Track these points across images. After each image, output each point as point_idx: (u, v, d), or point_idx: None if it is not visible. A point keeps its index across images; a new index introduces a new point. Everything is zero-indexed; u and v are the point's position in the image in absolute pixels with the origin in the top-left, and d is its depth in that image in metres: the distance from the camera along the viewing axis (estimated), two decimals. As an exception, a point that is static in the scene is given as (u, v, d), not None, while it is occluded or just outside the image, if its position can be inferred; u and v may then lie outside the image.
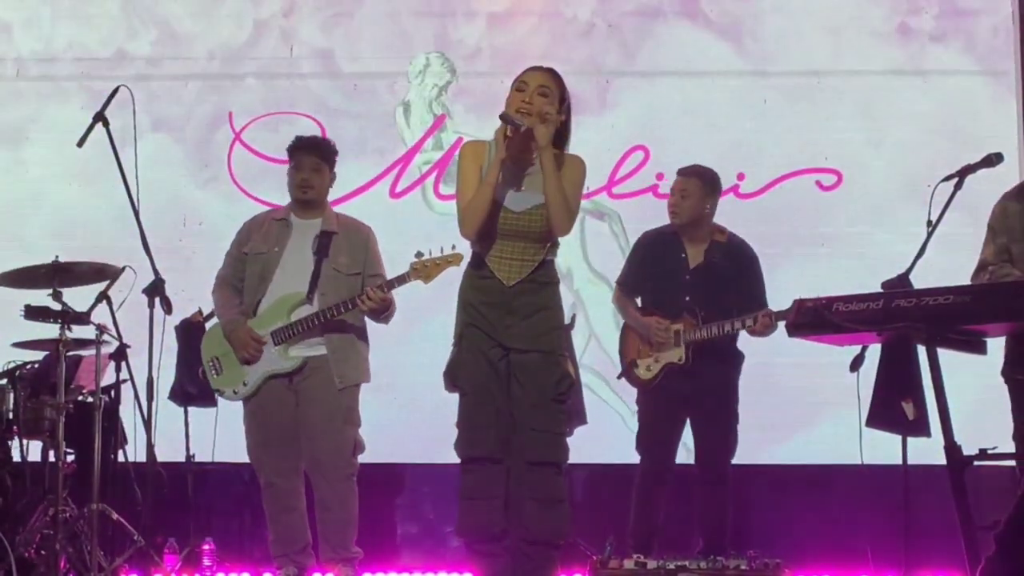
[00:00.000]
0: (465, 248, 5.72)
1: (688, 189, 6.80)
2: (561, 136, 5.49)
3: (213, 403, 6.97)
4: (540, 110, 5.35)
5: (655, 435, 6.80)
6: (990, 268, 5.39)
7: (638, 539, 6.69)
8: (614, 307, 7.11)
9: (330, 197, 6.79)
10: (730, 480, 6.77)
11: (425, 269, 6.09)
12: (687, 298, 6.73)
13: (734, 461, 6.84)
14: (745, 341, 6.82)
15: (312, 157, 6.57)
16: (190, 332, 6.93)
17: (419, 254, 6.07)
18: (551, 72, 5.50)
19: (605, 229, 8.14)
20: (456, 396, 5.58)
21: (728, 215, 6.98)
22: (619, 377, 7.02)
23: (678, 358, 6.69)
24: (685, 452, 6.90)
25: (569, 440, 5.62)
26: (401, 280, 6.19)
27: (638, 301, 6.94)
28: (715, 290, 6.70)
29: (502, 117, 5.35)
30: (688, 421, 6.81)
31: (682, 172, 6.87)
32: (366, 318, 6.49)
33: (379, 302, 6.24)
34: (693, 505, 6.81)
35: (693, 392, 6.68)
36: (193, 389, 6.97)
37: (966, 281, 5.35)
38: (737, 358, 6.82)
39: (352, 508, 6.42)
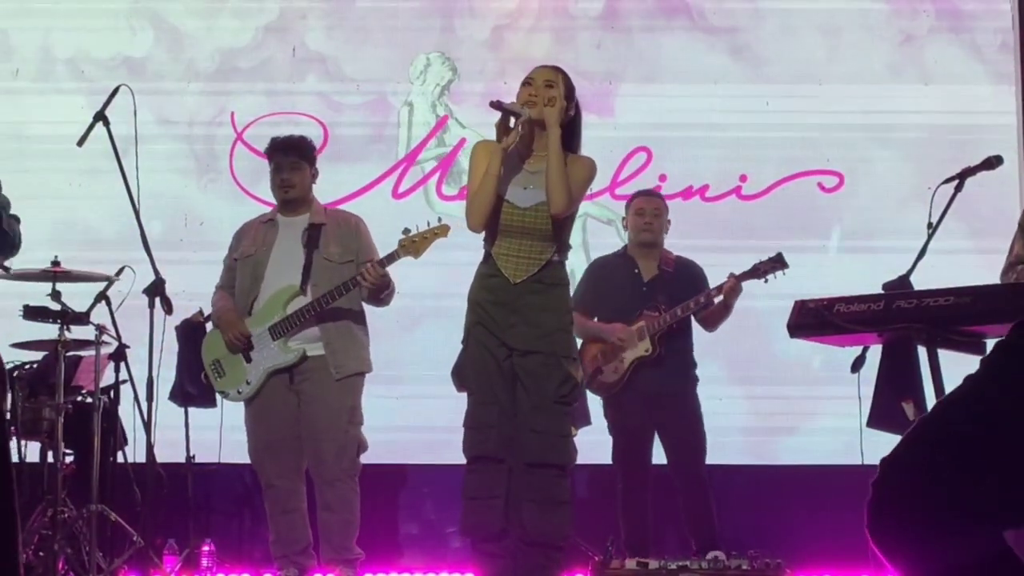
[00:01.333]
0: (466, 239, 5.74)
1: (660, 209, 7.00)
2: (570, 136, 5.54)
3: (213, 403, 6.97)
4: (546, 96, 5.43)
5: (628, 446, 6.90)
6: (1019, 268, 5.38)
7: (632, 545, 6.72)
8: None
9: (332, 197, 6.82)
10: (707, 478, 6.84)
11: (413, 244, 6.13)
12: (645, 307, 6.83)
13: (735, 462, 6.87)
14: (735, 344, 6.87)
15: (290, 156, 6.58)
16: (191, 332, 6.92)
17: (406, 230, 6.13)
18: (557, 68, 5.62)
19: (610, 232, 8.12)
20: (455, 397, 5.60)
21: (730, 217, 6.98)
22: (586, 386, 7.03)
23: (645, 350, 6.78)
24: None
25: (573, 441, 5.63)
26: (391, 258, 6.21)
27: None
28: (671, 298, 6.82)
29: (492, 104, 5.40)
30: (656, 428, 6.89)
31: (649, 193, 7.12)
32: (365, 306, 6.49)
33: (378, 279, 6.21)
34: (678, 508, 6.87)
35: (660, 385, 6.76)
36: (193, 389, 6.95)
37: (965, 283, 5.32)
38: (694, 363, 6.94)
39: (354, 509, 6.41)
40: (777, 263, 6.69)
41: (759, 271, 6.68)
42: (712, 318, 6.85)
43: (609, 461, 7.57)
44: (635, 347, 6.78)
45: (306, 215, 6.56)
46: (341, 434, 6.36)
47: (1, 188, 5.13)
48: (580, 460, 5.70)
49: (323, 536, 6.43)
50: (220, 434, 6.83)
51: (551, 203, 5.42)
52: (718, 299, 6.76)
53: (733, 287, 6.66)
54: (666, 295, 6.83)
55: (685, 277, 6.94)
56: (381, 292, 6.33)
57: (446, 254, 6.37)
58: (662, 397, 6.78)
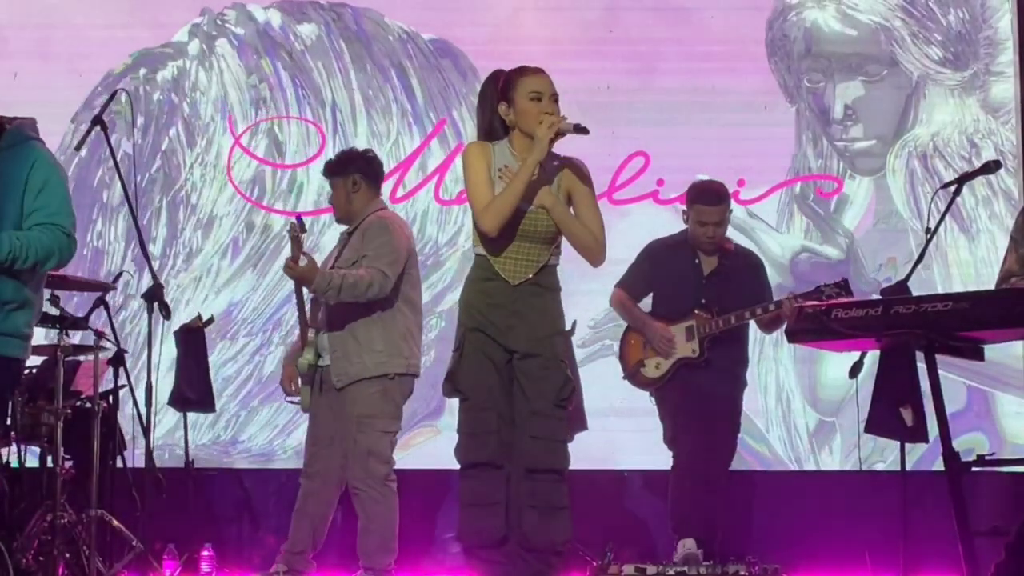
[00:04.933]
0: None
1: (724, 217, 6.82)
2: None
3: (212, 408, 6.99)
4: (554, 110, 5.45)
5: (678, 433, 6.76)
6: (1013, 280, 5.39)
7: (677, 519, 6.68)
8: (613, 309, 7.11)
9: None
10: (724, 488, 6.78)
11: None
12: (703, 300, 6.76)
13: (733, 467, 6.87)
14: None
15: (328, 179, 6.66)
16: (190, 338, 6.93)
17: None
18: (547, 74, 5.55)
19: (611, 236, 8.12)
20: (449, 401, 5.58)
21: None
22: (624, 378, 7.00)
23: (692, 351, 6.70)
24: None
25: (570, 445, 5.61)
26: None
27: (644, 306, 6.98)
28: (730, 295, 6.73)
29: (577, 129, 5.37)
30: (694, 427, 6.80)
31: (712, 201, 6.81)
32: (377, 313, 6.38)
33: (293, 273, 6.19)
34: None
35: (706, 386, 6.71)
36: (192, 394, 6.97)
37: (963, 287, 5.35)
38: (745, 363, 6.86)
39: (374, 517, 6.36)
40: (841, 289, 6.60)
41: (821, 294, 6.59)
42: (769, 327, 6.79)
43: (607, 466, 7.60)
44: (682, 347, 6.74)
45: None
46: (351, 443, 6.35)
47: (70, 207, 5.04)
48: (579, 465, 5.69)
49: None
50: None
51: (593, 263, 5.57)
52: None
53: (791, 313, 6.39)
54: (724, 290, 6.74)
55: (744, 270, 6.85)
56: (307, 285, 6.26)
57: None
58: (709, 400, 6.71)
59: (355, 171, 6.58)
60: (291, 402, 6.61)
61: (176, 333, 6.90)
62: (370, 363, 6.36)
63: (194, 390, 6.95)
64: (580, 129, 5.39)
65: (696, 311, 6.73)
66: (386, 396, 6.37)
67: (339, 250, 6.55)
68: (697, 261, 6.85)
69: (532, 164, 5.37)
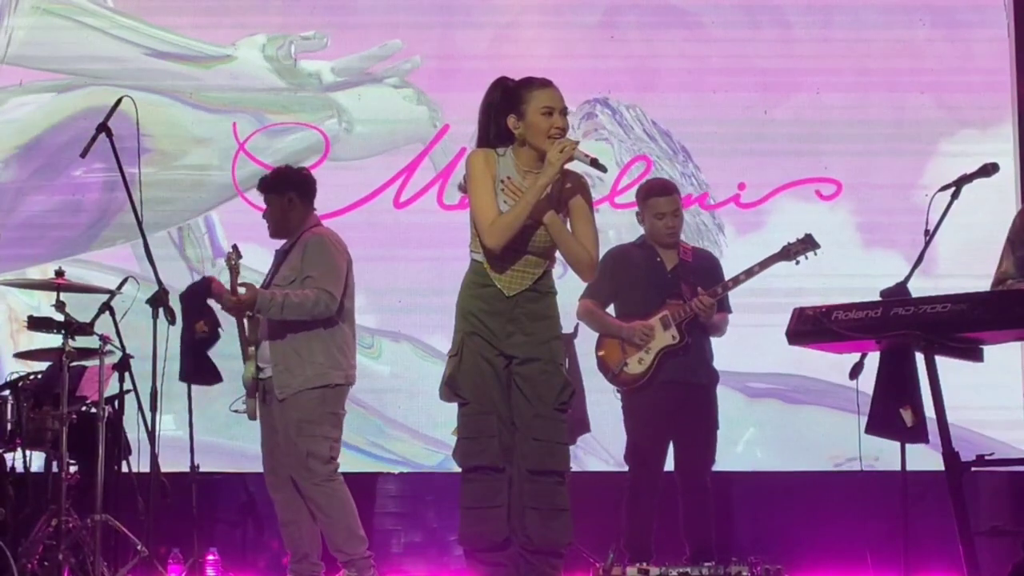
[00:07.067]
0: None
1: (678, 206, 6.88)
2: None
3: (218, 379, 6.82)
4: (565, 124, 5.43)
5: (643, 446, 6.78)
6: (1008, 283, 5.41)
7: (635, 549, 6.70)
8: (581, 321, 7.03)
9: (335, 206, 6.82)
10: (711, 486, 6.78)
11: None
12: (672, 291, 6.78)
13: (735, 468, 6.88)
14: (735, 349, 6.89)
15: (263, 195, 6.72)
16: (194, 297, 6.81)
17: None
18: (556, 86, 5.51)
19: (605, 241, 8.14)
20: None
21: (728, 224, 7.01)
22: (609, 381, 6.97)
23: (672, 338, 6.71)
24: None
25: (573, 447, 5.62)
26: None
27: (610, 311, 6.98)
28: (694, 285, 6.74)
29: (595, 164, 5.35)
30: (673, 428, 6.80)
31: (665, 191, 6.88)
32: (319, 328, 6.46)
33: (234, 302, 6.31)
34: (677, 513, 6.79)
35: (689, 373, 6.71)
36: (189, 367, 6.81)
37: (961, 289, 5.36)
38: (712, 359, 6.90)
39: (332, 512, 6.44)
40: (807, 244, 6.63)
41: (789, 252, 6.62)
42: (715, 328, 6.84)
43: (609, 468, 7.60)
44: (661, 336, 6.74)
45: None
46: (292, 447, 6.44)
47: None
48: (583, 467, 5.71)
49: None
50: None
51: (582, 277, 5.56)
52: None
53: (759, 269, 6.65)
54: (689, 283, 6.76)
55: (705, 266, 6.88)
56: (248, 311, 6.38)
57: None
58: (691, 387, 6.72)
59: (290, 190, 6.64)
60: (236, 411, 6.62)
61: (181, 296, 6.73)
62: (311, 374, 6.46)
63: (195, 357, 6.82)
64: (597, 165, 5.34)
65: (667, 300, 6.74)
66: (324, 402, 6.47)
67: (276, 266, 6.63)
68: (659, 259, 6.86)
69: (541, 188, 5.33)
